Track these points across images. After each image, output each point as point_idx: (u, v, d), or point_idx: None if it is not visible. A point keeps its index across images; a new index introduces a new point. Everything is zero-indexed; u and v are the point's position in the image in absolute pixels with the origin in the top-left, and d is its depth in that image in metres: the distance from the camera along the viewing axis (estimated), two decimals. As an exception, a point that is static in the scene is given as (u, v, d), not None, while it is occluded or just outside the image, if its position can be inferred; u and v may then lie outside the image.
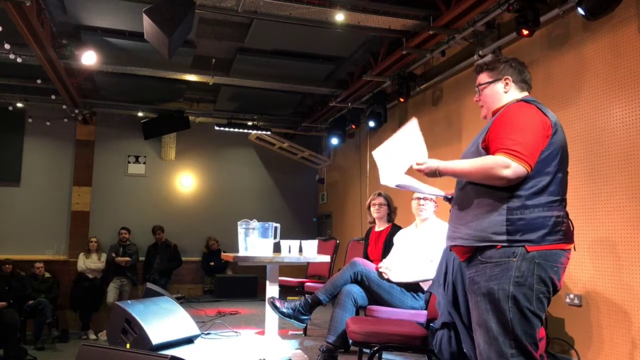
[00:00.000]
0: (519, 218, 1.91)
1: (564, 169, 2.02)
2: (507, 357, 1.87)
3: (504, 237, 1.91)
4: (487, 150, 2.03)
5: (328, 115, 8.27)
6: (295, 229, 9.06)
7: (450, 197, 2.30)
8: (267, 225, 3.45)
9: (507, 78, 2.18)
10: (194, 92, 8.41)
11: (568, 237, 1.96)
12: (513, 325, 1.87)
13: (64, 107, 7.82)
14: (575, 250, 2.04)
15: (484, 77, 2.23)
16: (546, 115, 2.01)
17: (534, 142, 1.93)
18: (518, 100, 2.11)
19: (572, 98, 4.14)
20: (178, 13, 4.03)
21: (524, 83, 2.20)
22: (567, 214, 2.00)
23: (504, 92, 2.18)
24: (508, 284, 1.88)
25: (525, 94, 2.19)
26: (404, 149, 2.26)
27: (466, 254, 2.07)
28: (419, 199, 3.62)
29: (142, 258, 8.25)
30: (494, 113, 2.18)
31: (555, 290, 1.95)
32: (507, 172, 1.88)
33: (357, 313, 3.37)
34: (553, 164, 1.96)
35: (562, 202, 1.99)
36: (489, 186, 1.97)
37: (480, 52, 5.01)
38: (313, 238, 3.93)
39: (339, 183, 9.19)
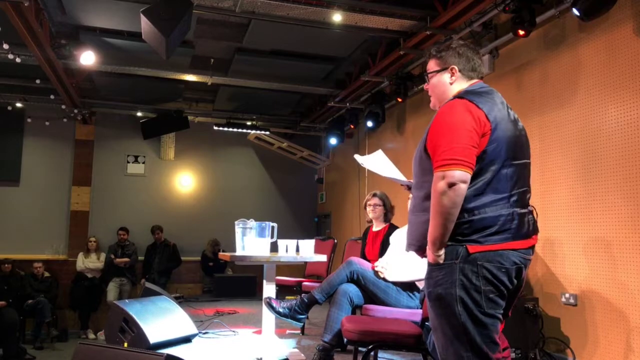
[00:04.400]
0: (465, 221, 1.82)
1: (512, 163, 1.87)
2: (463, 359, 1.82)
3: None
4: (428, 154, 1.91)
5: (327, 115, 8.28)
6: (295, 229, 9.08)
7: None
8: (264, 224, 3.46)
9: (452, 68, 2.02)
10: (193, 92, 8.44)
11: (520, 235, 1.85)
12: (466, 328, 1.81)
13: (63, 107, 7.84)
14: (535, 244, 1.93)
15: (432, 65, 2.08)
16: (482, 110, 1.85)
17: (467, 142, 1.79)
18: (454, 97, 1.95)
19: (568, 98, 4.15)
20: (175, 13, 4.05)
21: (472, 72, 2.03)
22: (520, 212, 1.86)
23: (449, 83, 2.03)
24: (454, 287, 1.82)
25: (474, 81, 2.03)
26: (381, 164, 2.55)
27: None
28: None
29: (141, 258, 8.27)
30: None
31: (513, 288, 1.87)
32: (443, 186, 1.77)
33: (353, 312, 3.38)
34: (497, 161, 1.84)
35: (510, 198, 1.85)
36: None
37: (477, 53, 5.02)
38: (313, 238, 3.94)
39: (337, 183, 9.20)
